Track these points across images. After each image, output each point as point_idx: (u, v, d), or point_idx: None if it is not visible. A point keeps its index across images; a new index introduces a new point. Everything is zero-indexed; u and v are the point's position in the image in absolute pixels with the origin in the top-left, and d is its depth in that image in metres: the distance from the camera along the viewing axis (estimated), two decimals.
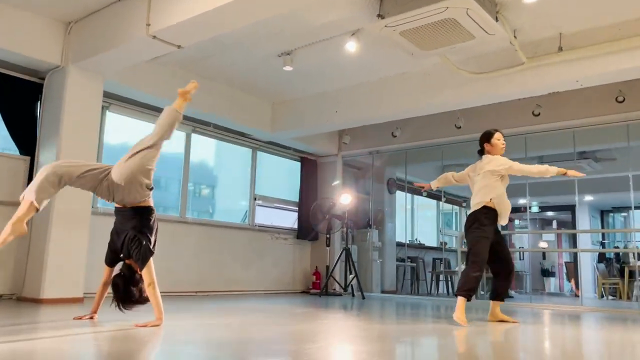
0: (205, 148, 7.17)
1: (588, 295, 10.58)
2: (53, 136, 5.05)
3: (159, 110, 6.39)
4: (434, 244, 11.20)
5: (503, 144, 4.34)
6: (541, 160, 8.41)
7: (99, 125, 5.30)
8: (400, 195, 9.87)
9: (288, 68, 5.74)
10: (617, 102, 5.93)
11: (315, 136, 8.01)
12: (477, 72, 5.46)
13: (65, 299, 4.78)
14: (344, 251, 7.37)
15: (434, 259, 10.16)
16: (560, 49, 4.95)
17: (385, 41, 5.20)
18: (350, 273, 7.34)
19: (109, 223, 3.43)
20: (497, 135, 4.33)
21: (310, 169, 8.64)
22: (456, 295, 3.98)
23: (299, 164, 8.59)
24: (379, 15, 4.45)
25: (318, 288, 8.06)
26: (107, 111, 5.95)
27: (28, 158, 5.22)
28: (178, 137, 6.91)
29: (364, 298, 7.00)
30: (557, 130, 6.52)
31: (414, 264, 9.85)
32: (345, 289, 7.36)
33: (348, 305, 5.79)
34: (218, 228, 7.16)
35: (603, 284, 9.73)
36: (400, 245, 9.62)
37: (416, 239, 10.47)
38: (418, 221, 10.43)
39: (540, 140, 6.80)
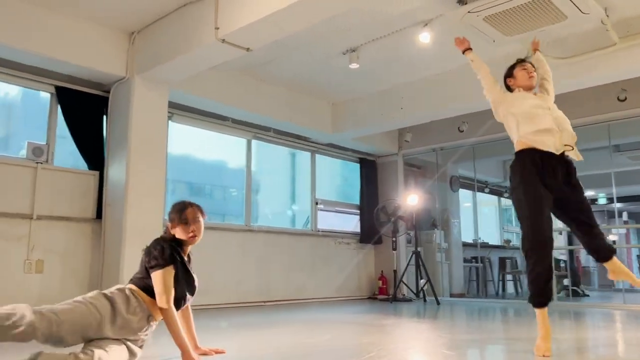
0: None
1: None
2: (121, 150, 4.94)
3: (221, 117, 6.34)
4: (496, 242, 10.73)
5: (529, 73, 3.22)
6: (618, 148, 7.86)
7: (166, 136, 5.16)
8: (462, 193, 9.48)
9: (354, 65, 5.47)
10: None
11: (374, 135, 7.70)
12: (561, 57, 5.05)
13: None
14: (414, 254, 7.03)
15: (500, 258, 9.69)
16: None
17: (461, 29, 4.86)
18: (422, 277, 7.00)
19: None
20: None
21: (370, 170, 8.34)
22: None
23: (357, 165, 8.31)
24: (459, 2, 4.14)
25: (384, 293, 7.75)
26: (170, 121, 5.82)
27: (97, 173, 5.13)
28: (238, 143, 6.75)
29: (439, 304, 6.64)
30: None
31: (480, 265, 9.42)
32: (417, 295, 7.02)
33: (434, 313, 5.46)
34: (282, 235, 6.96)
35: None
36: (465, 245, 9.22)
37: (480, 238, 10.04)
38: (480, 219, 9.99)
39: (626, 127, 6.29)
